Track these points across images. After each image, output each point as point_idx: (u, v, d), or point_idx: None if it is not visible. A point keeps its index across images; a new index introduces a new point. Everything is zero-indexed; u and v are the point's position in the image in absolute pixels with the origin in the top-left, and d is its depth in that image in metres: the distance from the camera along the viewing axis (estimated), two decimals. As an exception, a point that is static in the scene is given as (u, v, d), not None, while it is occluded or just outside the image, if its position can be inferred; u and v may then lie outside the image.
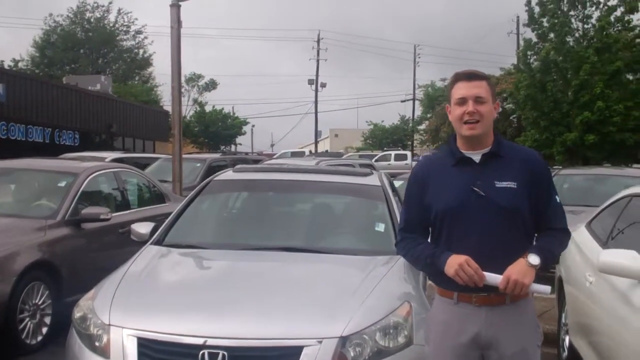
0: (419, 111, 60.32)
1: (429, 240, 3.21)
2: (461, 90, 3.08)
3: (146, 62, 58.73)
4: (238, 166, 6.46)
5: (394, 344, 3.81)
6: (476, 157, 3.09)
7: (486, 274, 2.93)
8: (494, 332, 3.03)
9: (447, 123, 48.89)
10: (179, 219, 5.43)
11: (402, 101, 61.44)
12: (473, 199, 3.02)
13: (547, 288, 3.03)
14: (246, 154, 29.77)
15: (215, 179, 5.97)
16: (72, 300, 6.58)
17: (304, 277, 4.59)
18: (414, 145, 60.00)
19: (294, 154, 43.59)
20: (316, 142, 61.41)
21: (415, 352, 3.86)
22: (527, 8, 27.24)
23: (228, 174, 6.11)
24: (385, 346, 3.77)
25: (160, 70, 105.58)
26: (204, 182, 5.96)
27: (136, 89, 50.34)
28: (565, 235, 3.15)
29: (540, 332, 3.19)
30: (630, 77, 26.79)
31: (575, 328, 5.36)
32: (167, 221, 5.44)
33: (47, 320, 6.42)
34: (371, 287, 4.18)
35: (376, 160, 34.84)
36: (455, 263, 2.95)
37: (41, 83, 29.81)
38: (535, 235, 3.13)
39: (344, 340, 3.67)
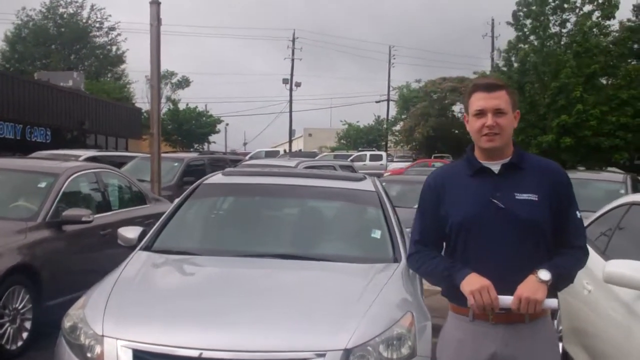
0: (393, 112, 60.55)
1: (442, 253, 3.08)
2: (480, 101, 2.93)
3: (119, 59, 58.19)
4: (227, 169, 6.32)
5: (398, 355, 3.71)
6: (495, 168, 2.97)
7: (499, 297, 2.81)
8: (512, 351, 2.90)
9: (422, 124, 49.32)
10: (168, 224, 5.26)
11: (377, 102, 61.70)
12: (492, 210, 2.89)
13: (554, 301, 2.89)
14: (224, 153, 29.58)
15: (205, 182, 5.81)
16: (53, 304, 6.46)
17: (303, 285, 4.47)
18: (388, 145, 60.15)
19: (268, 154, 43.41)
20: (290, 142, 61.27)
21: None
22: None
23: (218, 178, 5.95)
24: (389, 358, 3.66)
25: (133, 68, 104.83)
26: (193, 185, 5.80)
27: (109, 85, 49.85)
28: (584, 254, 3.02)
29: (557, 350, 3.07)
30: (604, 81, 27.14)
31: (570, 335, 5.31)
32: (155, 226, 5.28)
33: (28, 325, 6.21)
34: (373, 297, 4.06)
35: (351, 161, 34.78)
36: (476, 283, 2.81)
37: (12, 78, 29.34)
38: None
39: (347, 353, 3.55)
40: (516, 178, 2.94)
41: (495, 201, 2.89)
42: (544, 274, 2.80)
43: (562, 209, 2.95)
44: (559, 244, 2.96)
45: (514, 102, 2.98)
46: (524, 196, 2.89)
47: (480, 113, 2.92)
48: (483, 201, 2.90)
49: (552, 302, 2.87)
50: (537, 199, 2.87)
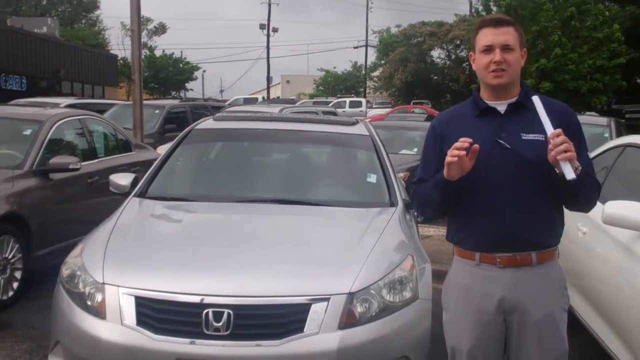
0: (372, 58, 60.14)
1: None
2: (487, 37, 2.86)
3: (93, 5, 57.02)
4: (218, 114, 6.22)
5: (400, 298, 3.72)
6: (501, 108, 2.90)
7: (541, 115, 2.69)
8: (520, 295, 2.87)
9: (401, 70, 49.08)
10: (161, 170, 5.18)
11: (355, 47, 61.36)
12: (497, 151, 2.83)
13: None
14: (205, 100, 29.25)
15: (197, 127, 5.71)
16: (43, 253, 6.42)
17: (301, 230, 4.46)
18: (367, 92, 59.91)
19: (246, 101, 43.08)
20: (268, 88, 60.78)
21: (420, 306, 3.79)
22: None
23: (209, 123, 5.86)
24: (391, 301, 3.67)
25: (108, 14, 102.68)
26: (184, 131, 5.70)
27: (83, 32, 48.93)
28: (599, 186, 2.95)
29: (567, 294, 3.02)
30: (578, 24, 27.09)
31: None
32: (148, 172, 5.20)
33: (18, 274, 6.16)
34: (373, 241, 4.06)
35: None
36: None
37: (-16, 26, 28.68)
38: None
39: (351, 297, 3.55)
40: (523, 118, 2.88)
41: (501, 142, 2.84)
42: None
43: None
44: None
45: (521, 39, 2.91)
46: (531, 136, 2.83)
47: (488, 49, 2.85)
48: (489, 142, 2.83)
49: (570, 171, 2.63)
50: (543, 138, 2.78)
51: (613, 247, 4.37)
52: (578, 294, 4.97)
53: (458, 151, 2.68)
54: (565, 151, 2.60)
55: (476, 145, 2.69)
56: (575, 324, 4.83)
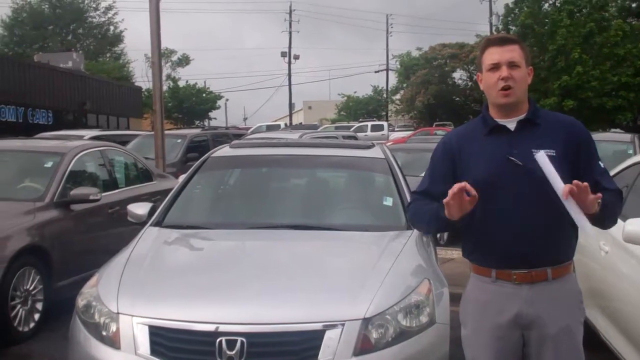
0: (393, 81, 60.26)
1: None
2: (494, 55, 2.89)
3: (117, 39, 57.87)
4: (235, 142, 6.23)
5: (417, 323, 3.66)
6: (511, 125, 2.90)
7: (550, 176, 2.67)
8: (536, 310, 2.86)
9: (423, 92, 49.08)
10: (178, 199, 5.20)
11: (376, 71, 61.53)
12: (509, 168, 2.83)
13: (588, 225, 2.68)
14: (226, 128, 29.44)
15: (213, 155, 5.73)
16: (64, 284, 6.44)
17: (317, 255, 4.43)
18: (389, 115, 59.91)
19: (269, 128, 43.23)
20: (290, 115, 61.05)
21: (437, 331, 3.73)
22: None
23: (226, 150, 5.87)
24: (408, 326, 3.62)
25: (132, 47, 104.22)
26: (201, 159, 5.72)
27: (108, 65, 49.64)
28: (620, 195, 2.93)
29: (582, 307, 3.00)
30: (599, 40, 26.95)
31: (587, 297, 5.24)
32: (165, 201, 5.22)
33: (39, 306, 6.19)
34: (388, 265, 4.01)
35: (353, 131, 34.59)
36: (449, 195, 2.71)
37: (12, 62, 29.24)
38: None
39: (366, 323, 3.50)
40: (533, 134, 2.88)
41: (512, 159, 2.83)
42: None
43: (583, 162, 2.87)
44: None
45: (527, 57, 2.92)
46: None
47: (495, 67, 2.87)
48: (500, 159, 2.85)
49: (585, 223, 2.66)
50: (554, 154, 2.79)
51: (636, 267, 4.28)
52: (602, 314, 4.87)
53: (456, 194, 2.68)
54: (587, 191, 2.60)
55: (474, 192, 2.69)
56: (599, 345, 4.74)
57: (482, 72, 2.94)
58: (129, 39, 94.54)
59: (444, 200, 2.72)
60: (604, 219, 2.81)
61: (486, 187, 2.80)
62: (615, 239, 4.58)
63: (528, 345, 2.91)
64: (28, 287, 6.04)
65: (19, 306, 5.92)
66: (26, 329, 6.01)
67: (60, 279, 6.43)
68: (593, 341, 4.60)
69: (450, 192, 2.70)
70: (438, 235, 4.73)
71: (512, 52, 2.88)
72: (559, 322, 2.87)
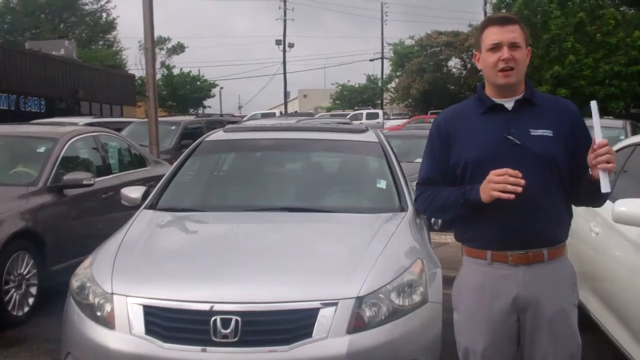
0: (388, 69, 60.18)
1: None
2: (494, 35, 2.85)
3: (110, 26, 57.56)
4: (228, 126, 6.23)
5: (410, 302, 3.69)
6: (508, 104, 2.89)
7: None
8: (533, 292, 2.84)
9: (418, 80, 49.01)
10: (172, 182, 5.22)
11: (371, 60, 61.31)
12: (507, 147, 2.81)
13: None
14: (220, 115, 29.35)
15: (207, 139, 5.75)
16: (58, 269, 6.45)
17: (311, 237, 4.45)
18: (384, 103, 59.87)
19: (264, 116, 43.12)
20: (286, 103, 60.96)
21: (430, 310, 3.77)
22: None
23: (219, 134, 5.88)
24: (401, 305, 3.65)
25: (125, 34, 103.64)
26: (195, 143, 5.73)
27: (101, 53, 49.42)
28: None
29: (576, 289, 3.00)
30: (591, 29, 26.98)
31: (579, 279, 5.29)
32: (159, 184, 5.24)
33: (33, 290, 6.22)
34: (382, 245, 4.04)
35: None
36: (492, 179, 2.70)
37: (4, 49, 29.04)
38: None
39: (360, 301, 3.53)
40: (530, 114, 2.88)
41: (510, 137, 2.82)
42: None
43: (580, 144, 2.85)
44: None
45: (526, 38, 2.90)
46: (539, 132, 2.83)
47: (496, 47, 2.84)
48: (497, 138, 2.83)
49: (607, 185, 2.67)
50: (551, 134, 2.81)
51: (626, 247, 4.31)
52: (593, 295, 4.91)
53: (511, 186, 2.67)
54: (608, 162, 2.61)
55: (522, 181, 2.67)
56: (591, 326, 4.78)
57: (481, 51, 2.91)
58: (121, 26, 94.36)
59: (491, 194, 2.69)
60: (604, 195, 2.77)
61: (482, 166, 2.80)
62: (605, 220, 4.61)
63: (523, 329, 2.90)
64: (22, 271, 6.05)
65: (13, 290, 5.94)
66: (20, 313, 6.03)
67: (54, 264, 6.44)
68: (585, 322, 4.63)
69: (495, 181, 2.68)
70: (432, 220, 4.73)
71: (514, 33, 2.85)
72: (555, 304, 2.86)
